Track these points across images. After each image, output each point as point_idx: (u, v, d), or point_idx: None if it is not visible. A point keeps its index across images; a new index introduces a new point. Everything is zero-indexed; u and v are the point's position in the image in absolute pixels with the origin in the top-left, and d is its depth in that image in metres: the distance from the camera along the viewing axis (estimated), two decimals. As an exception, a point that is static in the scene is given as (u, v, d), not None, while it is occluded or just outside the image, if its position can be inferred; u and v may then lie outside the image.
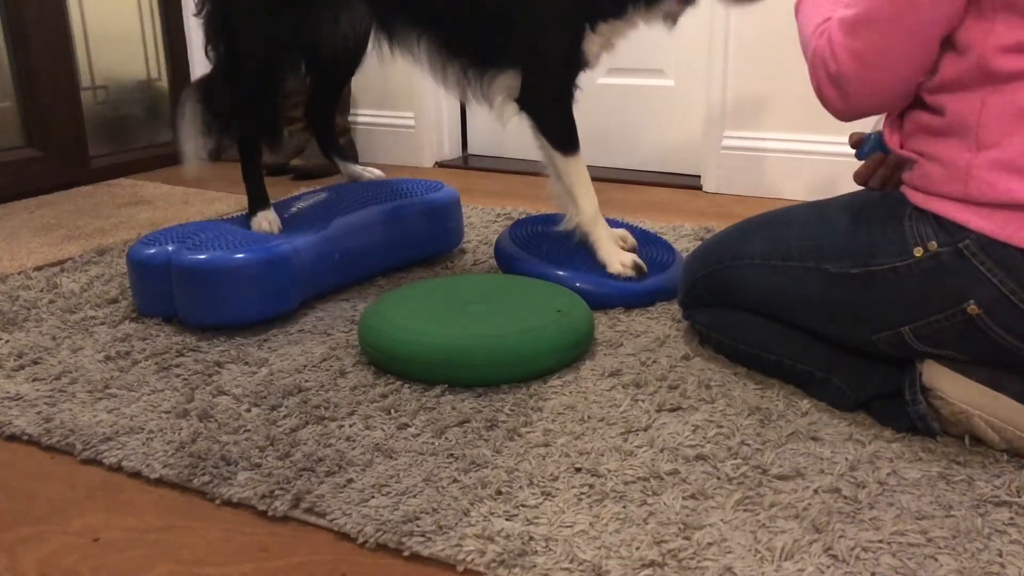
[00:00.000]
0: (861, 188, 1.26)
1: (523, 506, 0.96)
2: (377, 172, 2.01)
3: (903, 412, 1.09)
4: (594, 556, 0.88)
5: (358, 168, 2.01)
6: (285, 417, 1.18)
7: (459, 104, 2.96)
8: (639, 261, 1.57)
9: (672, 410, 1.17)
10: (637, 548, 0.89)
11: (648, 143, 2.65)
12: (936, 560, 0.86)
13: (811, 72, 1.12)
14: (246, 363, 1.35)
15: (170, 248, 1.47)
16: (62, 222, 2.21)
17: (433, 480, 1.02)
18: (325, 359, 1.36)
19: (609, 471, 1.03)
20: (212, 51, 1.71)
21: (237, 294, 1.44)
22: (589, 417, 1.16)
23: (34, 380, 1.31)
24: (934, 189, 1.03)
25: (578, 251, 1.63)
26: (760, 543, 0.89)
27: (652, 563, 0.87)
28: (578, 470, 1.03)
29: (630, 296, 1.54)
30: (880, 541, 0.89)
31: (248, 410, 1.20)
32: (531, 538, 0.91)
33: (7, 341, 1.45)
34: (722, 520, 0.93)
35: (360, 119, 2.96)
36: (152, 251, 1.48)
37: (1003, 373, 1.04)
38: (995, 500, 0.96)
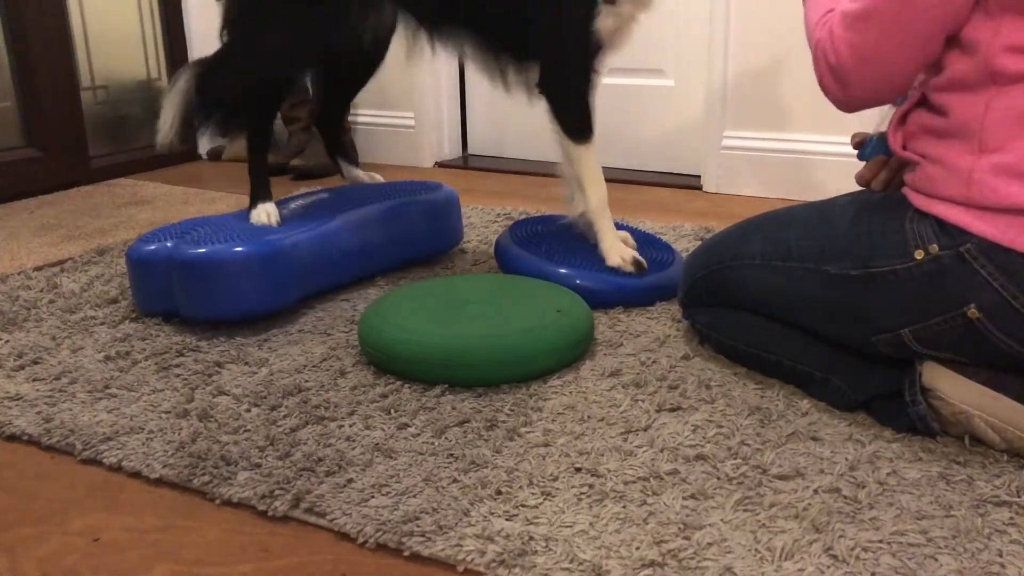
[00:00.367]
0: (862, 189, 1.26)
1: (523, 506, 0.96)
2: (378, 177, 2.01)
3: (903, 412, 1.09)
4: (594, 556, 0.88)
5: (360, 172, 2.01)
6: (285, 417, 1.18)
7: (459, 104, 2.96)
8: (639, 257, 1.57)
9: (672, 410, 1.17)
10: (637, 548, 0.89)
11: (648, 143, 2.65)
12: (936, 560, 0.86)
13: (814, 63, 1.13)
14: (246, 363, 1.35)
15: (169, 244, 1.47)
16: (62, 222, 2.21)
17: (433, 480, 1.02)
18: (325, 359, 1.36)
19: (609, 471, 1.03)
20: (226, 35, 1.71)
21: (236, 287, 1.44)
22: (589, 417, 1.16)
23: (34, 380, 1.31)
24: (936, 192, 1.03)
25: (579, 250, 1.63)
26: (760, 543, 0.89)
27: (652, 563, 0.87)
28: (578, 470, 1.03)
29: (630, 294, 1.54)
30: (880, 541, 0.89)
31: (248, 410, 1.20)
32: (531, 538, 0.91)
33: (7, 341, 1.45)
34: (722, 520, 0.93)
35: (360, 119, 2.96)
36: (152, 247, 1.48)
37: (1003, 374, 1.04)
38: (995, 500, 0.96)
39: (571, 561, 0.87)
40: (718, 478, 1.01)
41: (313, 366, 1.34)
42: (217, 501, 1.01)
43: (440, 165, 2.89)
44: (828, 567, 0.86)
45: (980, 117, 0.99)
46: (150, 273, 1.48)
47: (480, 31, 1.64)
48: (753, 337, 1.25)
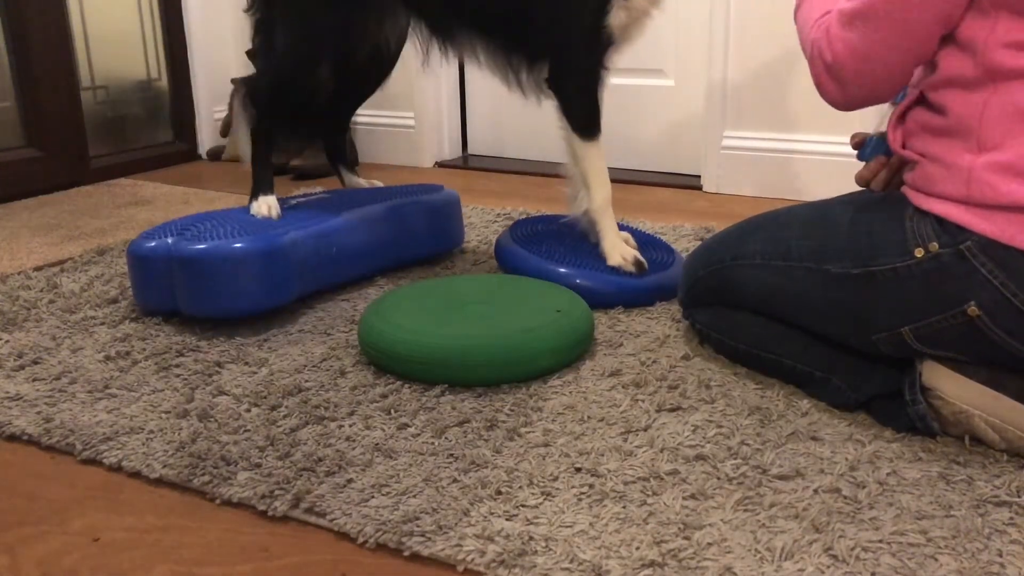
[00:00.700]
0: (862, 189, 1.26)
1: (523, 506, 0.96)
2: (378, 184, 2.01)
3: (903, 412, 1.09)
4: (594, 556, 0.88)
5: (361, 180, 2.02)
6: (285, 417, 1.18)
7: (459, 104, 2.96)
8: (640, 257, 1.57)
9: (672, 410, 1.17)
10: (637, 548, 0.89)
11: (648, 143, 2.65)
12: (936, 560, 0.86)
13: (810, 64, 1.13)
14: (246, 363, 1.35)
15: (170, 241, 1.47)
16: (62, 222, 2.21)
17: (433, 480, 1.02)
18: (325, 359, 1.36)
19: (609, 471, 1.03)
20: (260, 43, 1.75)
21: (237, 284, 1.44)
22: (589, 417, 1.16)
23: (34, 380, 1.31)
24: (935, 190, 1.03)
25: (579, 249, 1.63)
26: (760, 543, 0.89)
27: (652, 563, 0.87)
28: (578, 470, 1.03)
29: (630, 294, 1.54)
30: (880, 541, 0.89)
31: (248, 410, 1.20)
32: (531, 538, 0.91)
33: (7, 341, 1.45)
34: (722, 520, 0.93)
35: (360, 119, 2.96)
36: (152, 244, 1.48)
37: (1003, 373, 1.04)
38: (995, 500, 0.96)
39: (571, 561, 0.87)
40: (718, 478, 1.01)
41: (313, 366, 1.34)
42: (217, 501, 1.01)
43: (440, 165, 2.89)
44: (828, 567, 0.86)
45: (978, 115, 0.99)
46: (151, 270, 1.48)
47: (492, 34, 1.64)
48: (753, 337, 1.25)
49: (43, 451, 1.14)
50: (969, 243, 0.99)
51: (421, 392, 1.24)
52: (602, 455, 1.06)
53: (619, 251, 1.58)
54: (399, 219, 1.72)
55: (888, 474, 1.01)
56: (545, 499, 0.98)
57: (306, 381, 1.28)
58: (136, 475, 1.07)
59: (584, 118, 1.58)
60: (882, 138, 1.21)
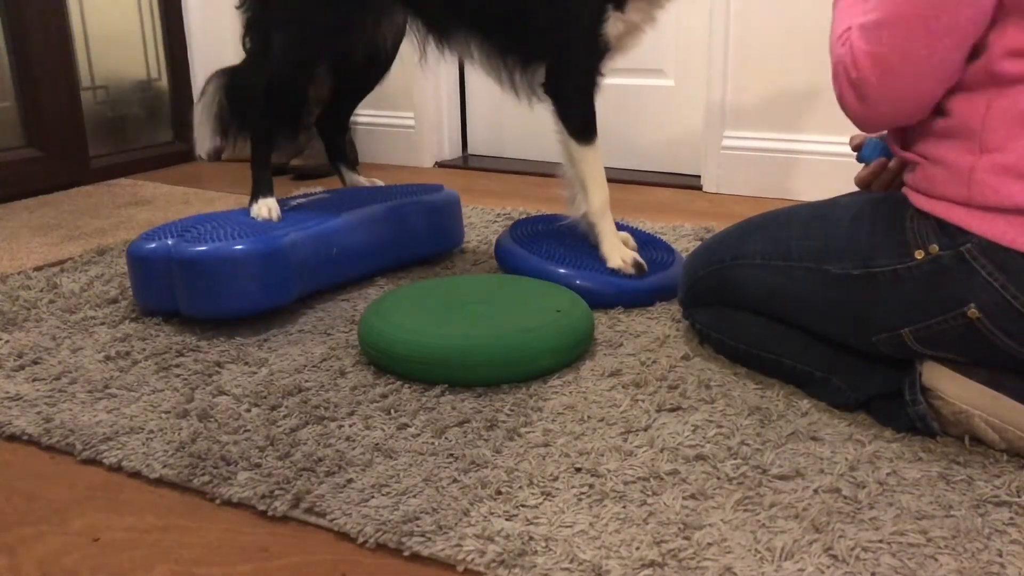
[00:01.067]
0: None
1: (523, 506, 0.96)
2: (379, 183, 2.01)
3: (903, 412, 1.09)
4: (594, 556, 0.88)
5: (361, 178, 2.02)
6: (285, 417, 1.18)
7: (459, 104, 2.96)
8: (640, 259, 1.57)
9: (672, 410, 1.17)
10: (637, 548, 0.89)
11: (648, 143, 2.65)
12: (936, 560, 0.86)
13: (834, 80, 1.08)
14: (246, 363, 1.35)
15: (169, 242, 1.47)
16: (62, 222, 2.21)
17: (433, 480, 1.02)
18: (325, 359, 1.36)
19: (609, 471, 1.03)
20: (250, 43, 1.74)
21: (236, 285, 1.44)
22: (589, 417, 1.16)
23: (34, 380, 1.31)
24: (936, 192, 1.03)
25: (579, 250, 1.63)
26: (760, 543, 0.89)
27: (652, 563, 0.87)
28: (578, 470, 1.03)
29: (630, 294, 1.54)
30: (880, 541, 0.89)
31: (248, 410, 1.20)
32: (531, 538, 0.91)
33: (7, 341, 1.45)
34: (722, 520, 0.93)
35: (360, 119, 2.96)
36: (152, 246, 1.48)
37: (1003, 373, 1.04)
38: (995, 500, 0.96)
39: (571, 561, 0.87)
40: (718, 478, 1.01)
41: (313, 366, 1.34)
42: (217, 501, 1.01)
43: (440, 165, 2.89)
44: (828, 567, 0.86)
45: (981, 117, 0.99)
46: (150, 271, 1.48)
47: (488, 34, 1.65)
48: (753, 337, 1.25)
49: (43, 451, 1.14)
50: (969, 245, 0.99)
51: (421, 392, 1.24)
52: (602, 455, 1.06)
53: (619, 253, 1.58)
54: (399, 219, 1.72)
55: (888, 474, 1.01)
56: (545, 499, 0.98)
57: (306, 381, 1.28)
58: (136, 475, 1.07)
59: (580, 122, 1.59)
60: (882, 140, 1.21)
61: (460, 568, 0.88)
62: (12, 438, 1.16)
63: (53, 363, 1.36)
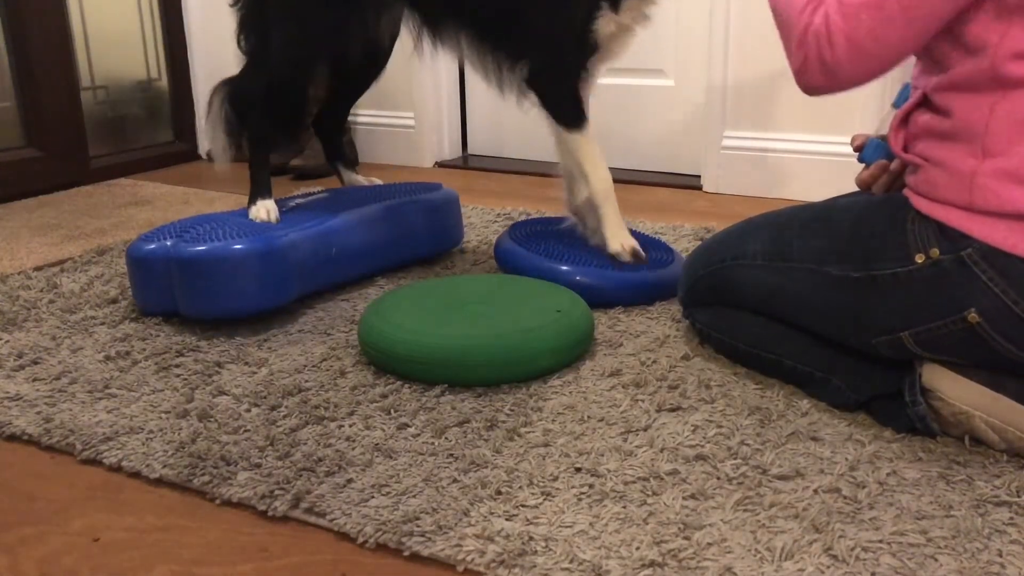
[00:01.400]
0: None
1: (523, 506, 0.96)
2: (377, 182, 2.01)
3: (903, 413, 1.09)
4: (594, 556, 0.88)
5: (360, 178, 2.01)
6: (285, 417, 1.18)
7: (459, 104, 2.96)
8: (639, 249, 1.58)
9: (672, 410, 1.17)
10: (637, 548, 0.89)
11: (648, 143, 2.65)
12: (936, 560, 0.86)
13: (797, 49, 1.07)
14: (246, 363, 1.35)
15: (169, 243, 1.47)
16: (62, 222, 2.21)
17: (433, 480, 1.02)
18: (325, 359, 1.36)
19: (609, 471, 1.03)
20: (244, 42, 1.74)
21: (236, 285, 1.44)
22: (589, 417, 1.16)
23: (34, 380, 1.31)
24: (938, 195, 1.03)
25: (578, 248, 1.63)
26: (760, 543, 0.89)
27: (652, 563, 0.87)
28: (578, 470, 1.03)
29: (630, 291, 1.54)
30: (880, 541, 0.89)
31: (248, 410, 1.20)
32: (531, 538, 0.91)
33: (7, 341, 1.45)
34: (722, 520, 0.93)
35: (360, 119, 2.96)
36: (151, 246, 1.48)
37: (1003, 374, 1.04)
38: (995, 500, 0.96)
39: (571, 561, 0.87)
40: (718, 478, 1.01)
41: (313, 366, 1.34)
42: (217, 501, 1.01)
43: (440, 165, 2.89)
44: (828, 567, 0.86)
45: (985, 120, 0.98)
46: (150, 272, 1.48)
47: (480, 29, 1.65)
48: (753, 337, 1.25)
49: (43, 451, 1.14)
50: (970, 250, 0.99)
51: (421, 392, 1.24)
52: (602, 455, 1.06)
53: (620, 239, 1.58)
54: (398, 219, 1.72)
55: (888, 474, 1.01)
56: (545, 499, 0.98)
57: (306, 381, 1.28)
58: (136, 475, 1.07)
59: (568, 109, 1.59)
60: (883, 140, 1.21)
61: (460, 568, 0.88)
62: (12, 438, 1.16)
63: (53, 363, 1.36)
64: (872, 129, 1.28)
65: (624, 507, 0.96)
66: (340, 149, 2.05)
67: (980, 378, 1.04)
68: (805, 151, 2.29)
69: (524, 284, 1.47)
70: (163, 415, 1.19)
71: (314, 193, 1.86)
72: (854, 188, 1.28)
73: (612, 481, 1.01)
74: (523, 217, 2.13)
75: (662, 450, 1.07)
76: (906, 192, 1.09)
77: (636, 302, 1.54)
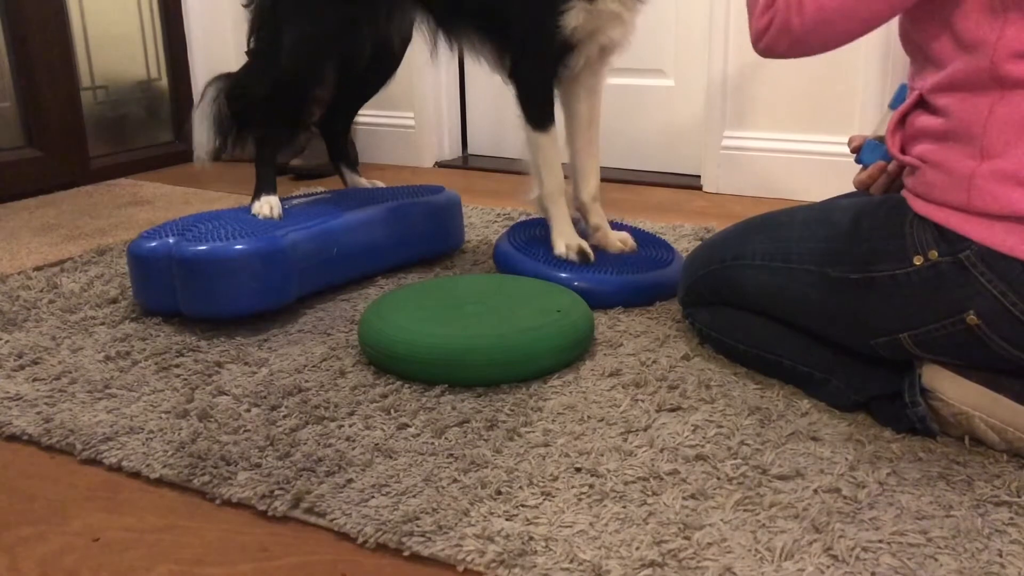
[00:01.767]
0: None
1: (523, 506, 0.96)
2: (380, 184, 2.02)
3: (903, 413, 1.09)
4: (594, 556, 0.88)
5: (363, 180, 2.02)
6: (285, 417, 1.18)
7: (459, 104, 2.96)
8: (585, 247, 1.60)
9: (672, 410, 1.17)
10: (637, 548, 0.89)
11: (648, 143, 2.65)
12: (936, 560, 0.86)
13: (762, 10, 1.07)
14: (246, 363, 1.35)
15: (170, 241, 1.47)
16: (62, 222, 2.21)
17: (433, 480, 1.02)
18: (325, 359, 1.36)
19: (609, 471, 1.03)
20: (255, 42, 1.75)
21: (237, 284, 1.44)
22: (589, 417, 1.16)
23: (34, 380, 1.31)
24: (936, 197, 1.02)
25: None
26: (760, 543, 0.89)
27: (652, 563, 0.87)
28: (578, 470, 1.03)
29: (630, 293, 1.54)
30: (880, 541, 0.89)
31: (248, 410, 1.20)
32: (531, 538, 0.91)
33: (7, 341, 1.45)
34: (722, 520, 0.93)
35: (360, 119, 2.95)
36: (153, 244, 1.48)
37: (1003, 375, 1.04)
38: (995, 500, 0.96)
39: (571, 561, 0.87)
40: (718, 478, 1.01)
41: (313, 366, 1.34)
42: (217, 501, 1.01)
43: (440, 165, 2.89)
44: (828, 567, 0.86)
45: (983, 121, 0.98)
46: (151, 270, 1.48)
47: (485, 31, 1.66)
48: (753, 337, 1.25)
49: (43, 451, 1.14)
50: (968, 252, 0.99)
51: (421, 392, 1.24)
52: (602, 455, 1.06)
53: (564, 240, 1.61)
54: (400, 220, 1.72)
55: (888, 474, 1.01)
56: (545, 499, 0.98)
57: (306, 381, 1.28)
58: (136, 475, 1.07)
59: (536, 108, 1.60)
60: (880, 142, 1.21)
61: (460, 568, 0.88)
62: (12, 438, 1.16)
63: (53, 363, 1.36)
64: (869, 130, 1.28)
65: (624, 507, 0.96)
66: (344, 150, 2.05)
67: (980, 379, 1.04)
68: (805, 151, 2.29)
69: (524, 284, 1.47)
70: (163, 415, 1.19)
71: (315, 193, 1.86)
72: (853, 188, 1.28)
73: (612, 481, 1.01)
74: (523, 217, 2.13)
75: (662, 450, 1.07)
76: (904, 194, 1.09)
77: (638, 304, 1.54)
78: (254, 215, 1.64)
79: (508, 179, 2.68)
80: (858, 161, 1.26)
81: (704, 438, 1.09)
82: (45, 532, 0.97)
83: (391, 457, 1.07)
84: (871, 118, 2.16)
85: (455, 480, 1.02)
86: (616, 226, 1.75)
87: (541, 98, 1.60)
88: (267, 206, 1.65)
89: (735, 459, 1.05)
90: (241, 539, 0.95)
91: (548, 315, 1.33)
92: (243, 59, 1.83)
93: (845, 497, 0.97)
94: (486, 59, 1.70)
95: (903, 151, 1.09)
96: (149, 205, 2.38)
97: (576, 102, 1.67)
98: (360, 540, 0.92)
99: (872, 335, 1.10)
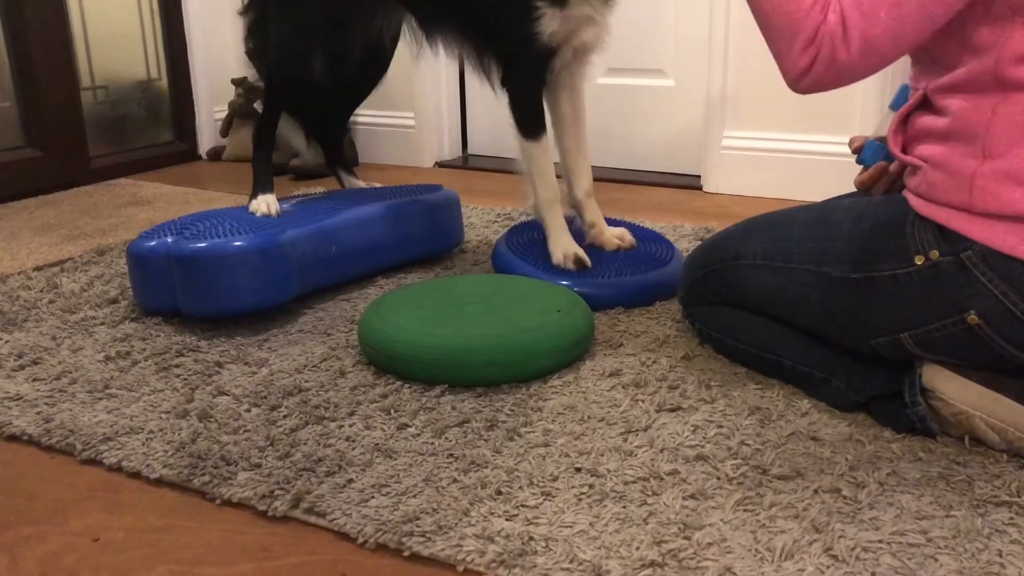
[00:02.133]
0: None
1: (523, 506, 0.96)
2: (377, 186, 2.02)
3: (903, 413, 1.09)
4: (594, 556, 0.88)
5: (360, 182, 2.02)
6: (285, 417, 1.18)
7: (459, 104, 2.96)
8: (582, 255, 1.59)
9: (672, 410, 1.17)
10: (637, 548, 0.89)
11: (648, 143, 2.65)
12: (936, 560, 0.86)
13: (803, 47, 1.03)
14: (246, 363, 1.35)
15: (169, 240, 1.47)
16: (62, 222, 2.21)
17: (433, 480, 1.02)
18: (325, 359, 1.36)
19: (609, 471, 1.03)
20: (251, 41, 1.80)
21: (236, 282, 1.44)
22: (589, 417, 1.16)
23: (34, 380, 1.31)
24: (937, 197, 1.02)
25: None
26: (760, 543, 0.89)
27: (652, 563, 0.87)
28: (578, 470, 1.03)
29: (630, 295, 1.54)
30: (880, 541, 0.89)
31: (248, 410, 1.20)
32: (531, 538, 0.91)
33: (7, 341, 1.45)
34: (722, 520, 0.93)
35: (360, 119, 2.96)
36: (152, 243, 1.48)
37: (1003, 375, 1.04)
38: (995, 500, 0.96)
39: (571, 561, 0.87)
40: (718, 478, 1.01)
41: (313, 366, 1.34)
42: (217, 501, 1.01)
43: (440, 165, 2.89)
44: (828, 567, 0.86)
45: (986, 121, 0.98)
46: (151, 269, 1.48)
47: (468, 34, 1.66)
48: (753, 337, 1.25)
49: (43, 451, 1.14)
50: (970, 252, 0.99)
51: (421, 392, 1.24)
52: (602, 455, 1.06)
53: (561, 248, 1.60)
54: (399, 219, 1.73)
55: (888, 474, 1.01)
56: (545, 499, 0.98)
57: (306, 381, 1.28)
58: (136, 475, 1.07)
59: (526, 118, 1.60)
60: (882, 142, 1.21)
61: (460, 568, 0.88)
62: (12, 438, 1.16)
63: (53, 363, 1.36)
64: (870, 131, 1.28)
65: (624, 507, 0.96)
66: (340, 153, 2.06)
67: (980, 379, 1.04)
68: (805, 151, 2.29)
69: (524, 284, 1.47)
70: (163, 415, 1.19)
71: (314, 193, 1.86)
72: (853, 187, 1.28)
73: (612, 481, 1.01)
74: (523, 218, 2.13)
75: (662, 450, 1.07)
76: (905, 194, 1.09)
77: (638, 304, 1.54)
78: (252, 213, 1.64)
79: (508, 179, 2.68)
80: (859, 162, 1.26)
81: (704, 438, 1.09)
82: (45, 532, 0.97)
83: (391, 457, 1.07)
84: (871, 118, 2.16)
85: (455, 480, 1.02)
86: (613, 222, 1.75)
87: (531, 106, 1.61)
88: (265, 204, 1.65)
89: (735, 459, 1.05)
90: (241, 539, 0.95)
91: (548, 315, 1.33)
92: (243, 59, 1.84)
93: (845, 497, 0.97)
94: (468, 62, 1.71)
95: (905, 151, 1.09)
96: (149, 205, 2.38)
97: (559, 105, 1.68)
98: (360, 540, 0.92)
99: (872, 335, 1.10)
